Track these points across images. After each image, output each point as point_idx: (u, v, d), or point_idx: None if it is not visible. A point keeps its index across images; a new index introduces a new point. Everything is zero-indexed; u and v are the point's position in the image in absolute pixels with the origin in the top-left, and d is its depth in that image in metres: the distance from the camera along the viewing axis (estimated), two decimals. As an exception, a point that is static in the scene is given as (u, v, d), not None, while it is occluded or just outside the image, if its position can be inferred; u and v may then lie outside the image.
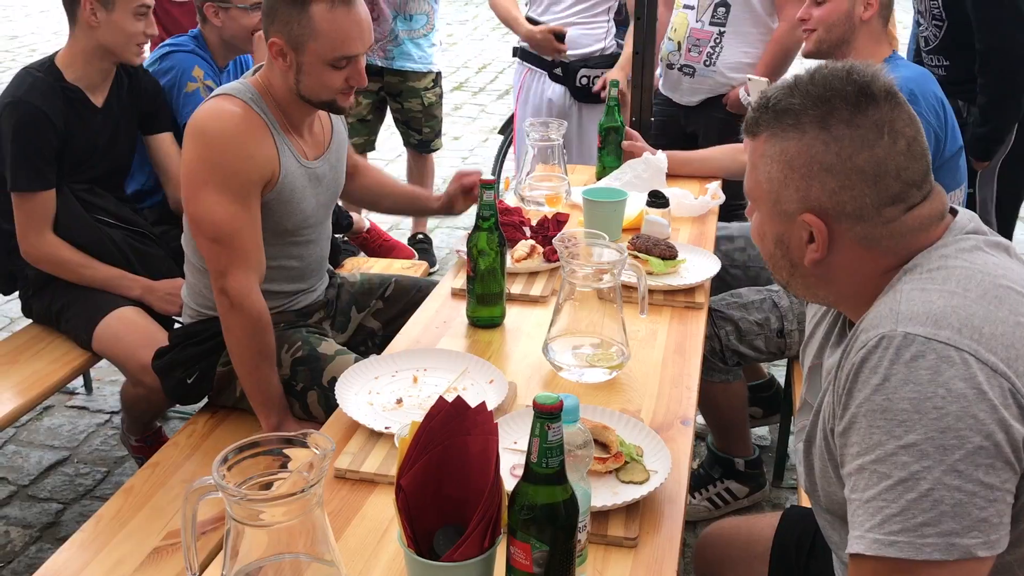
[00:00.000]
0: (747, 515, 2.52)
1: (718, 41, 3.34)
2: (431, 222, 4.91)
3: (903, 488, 1.01)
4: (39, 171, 2.39)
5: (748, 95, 3.24)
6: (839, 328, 1.30)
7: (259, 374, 1.99)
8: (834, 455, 1.16)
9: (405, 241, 4.51)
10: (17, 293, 2.67)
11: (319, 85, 1.96)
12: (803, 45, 2.51)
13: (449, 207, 2.44)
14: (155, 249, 2.64)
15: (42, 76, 2.41)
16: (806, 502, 1.92)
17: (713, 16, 3.34)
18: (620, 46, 3.63)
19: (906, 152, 1.14)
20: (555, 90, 3.69)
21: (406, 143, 4.30)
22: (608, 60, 3.62)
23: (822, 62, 1.20)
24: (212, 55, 2.87)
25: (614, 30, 3.65)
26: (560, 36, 3.56)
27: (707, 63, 3.36)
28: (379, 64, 3.97)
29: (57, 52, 2.49)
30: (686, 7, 3.38)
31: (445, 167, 5.76)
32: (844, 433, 1.10)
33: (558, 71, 3.65)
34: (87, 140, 2.48)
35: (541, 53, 3.65)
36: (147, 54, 2.55)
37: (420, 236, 4.49)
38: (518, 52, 3.79)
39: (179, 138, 2.67)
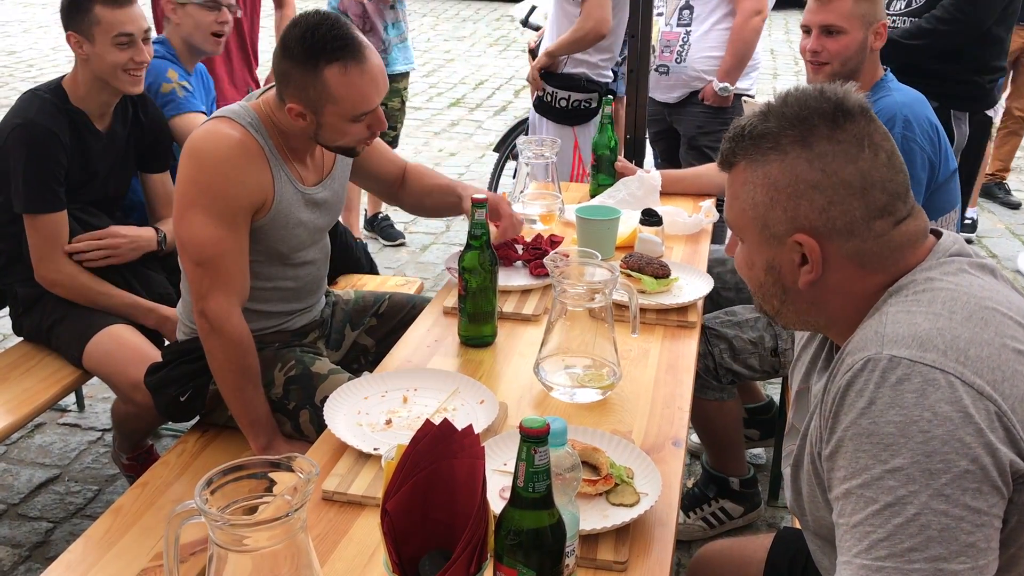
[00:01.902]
0: (740, 536, 2.51)
1: (685, 40, 3.67)
2: (427, 238, 4.93)
3: (890, 513, 1.00)
4: (53, 191, 2.38)
5: (723, 88, 3.61)
6: (826, 352, 1.29)
7: (244, 396, 1.98)
8: (822, 479, 1.16)
9: (361, 223, 4.83)
10: (7, 311, 2.66)
11: (340, 135, 1.94)
12: (809, 75, 2.44)
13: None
14: (153, 271, 2.63)
15: (49, 98, 2.42)
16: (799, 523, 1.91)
17: (679, 19, 3.69)
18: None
19: (887, 164, 1.14)
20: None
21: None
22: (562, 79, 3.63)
23: (791, 87, 1.21)
24: (180, 60, 2.87)
25: None
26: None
27: (678, 60, 3.68)
28: None
29: (64, 76, 2.50)
30: (657, 14, 3.66)
31: (441, 183, 5.76)
32: (831, 457, 1.09)
33: None
34: (88, 164, 2.48)
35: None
36: (141, 83, 2.50)
37: (380, 215, 4.82)
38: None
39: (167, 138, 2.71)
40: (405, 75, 4.46)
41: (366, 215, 4.95)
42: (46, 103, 2.40)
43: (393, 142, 4.49)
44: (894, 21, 3.37)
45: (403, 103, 4.50)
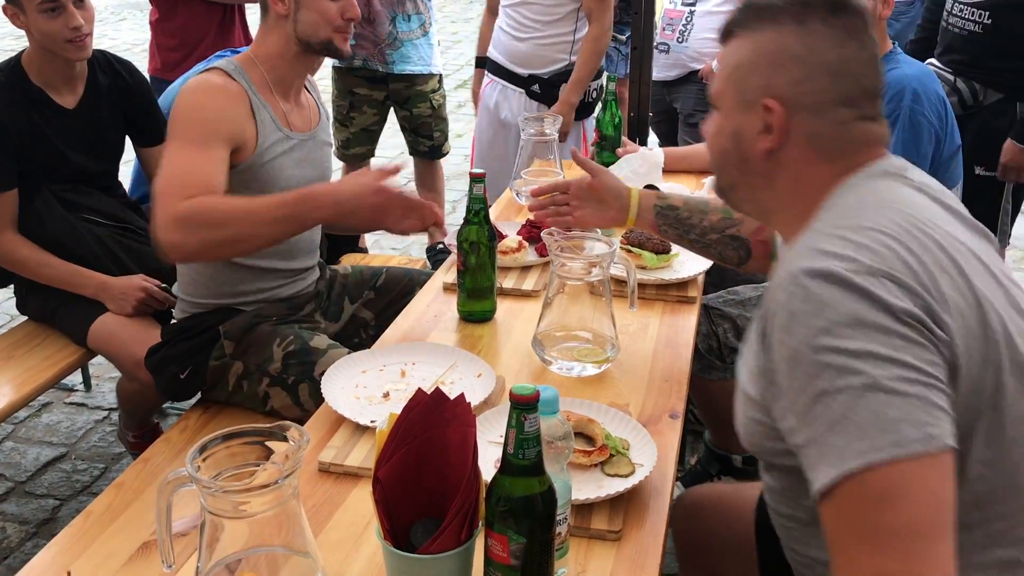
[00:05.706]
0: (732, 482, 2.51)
1: (689, 19, 3.62)
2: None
3: None
4: None
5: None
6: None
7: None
8: None
9: (424, 251, 4.35)
10: (12, 291, 2.68)
11: (318, 19, 2.03)
12: None
13: None
14: (149, 247, 2.63)
15: (2, 79, 2.37)
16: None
17: None
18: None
19: (868, 63, 1.20)
20: (527, 106, 3.45)
21: (414, 151, 4.10)
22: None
23: None
24: None
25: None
26: None
27: (679, 40, 3.64)
28: (380, 71, 3.82)
29: (24, 51, 2.43)
30: None
31: (448, 165, 5.74)
32: None
33: (536, 87, 3.41)
34: (56, 142, 2.43)
35: None
36: (88, 48, 2.39)
37: (440, 246, 4.26)
38: (488, 64, 3.58)
39: None
40: (430, 77, 3.89)
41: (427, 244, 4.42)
42: None
43: (431, 152, 4.06)
44: (962, 10, 3.02)
45: (434, 109, 3.94)
